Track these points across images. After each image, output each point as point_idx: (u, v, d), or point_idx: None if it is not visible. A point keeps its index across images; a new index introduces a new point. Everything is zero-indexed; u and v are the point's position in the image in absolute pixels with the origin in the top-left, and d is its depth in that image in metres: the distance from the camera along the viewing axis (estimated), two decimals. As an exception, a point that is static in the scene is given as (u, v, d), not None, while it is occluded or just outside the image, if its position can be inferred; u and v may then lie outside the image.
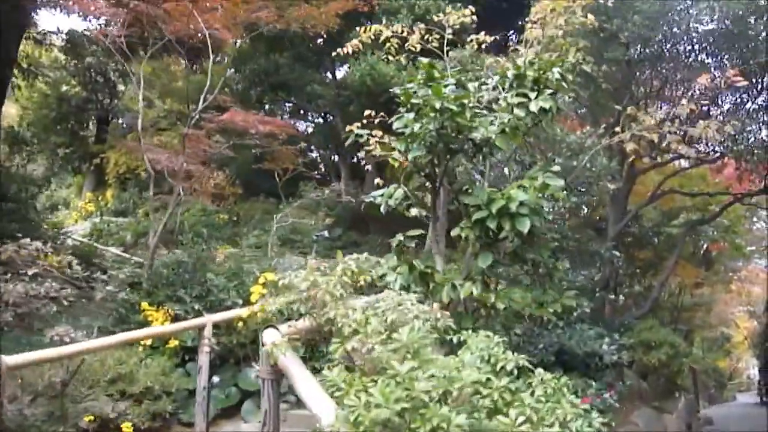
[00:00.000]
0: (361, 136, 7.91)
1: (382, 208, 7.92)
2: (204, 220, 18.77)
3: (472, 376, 4.14)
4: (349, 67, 20.80)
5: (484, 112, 7.39)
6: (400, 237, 7.34)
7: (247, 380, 9.89)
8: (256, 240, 17.54)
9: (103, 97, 26.63)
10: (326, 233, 16.83)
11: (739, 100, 15.73)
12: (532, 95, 7.17)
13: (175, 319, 10.69)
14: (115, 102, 27.17)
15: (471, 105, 7.09)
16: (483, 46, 9.62)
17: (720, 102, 15.81)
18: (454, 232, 7.13)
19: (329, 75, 24.33)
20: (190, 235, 15.53)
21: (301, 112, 27.63)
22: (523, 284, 8.05)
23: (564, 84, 7.58)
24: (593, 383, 7.70)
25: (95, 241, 17.26)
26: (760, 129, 15.05)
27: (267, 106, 25.23)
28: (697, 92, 12.81)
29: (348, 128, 8.15)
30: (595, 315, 12.75)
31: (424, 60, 7.57)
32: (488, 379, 4.81)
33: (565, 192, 8.49)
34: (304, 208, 20.03)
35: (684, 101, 8.90)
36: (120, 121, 29.15)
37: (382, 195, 7.93)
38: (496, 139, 6.90)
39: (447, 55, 9.20)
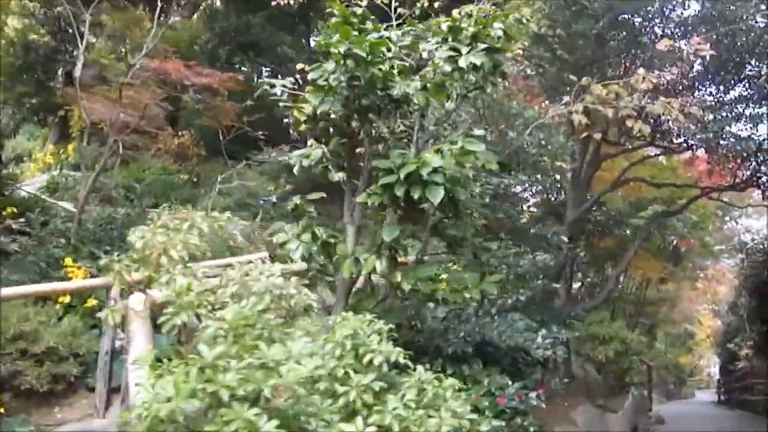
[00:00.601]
0: (273, 86, 6.83)
1: (295, 169, 6.91)
2: (163, 179, 17.75)
3: (297, 371, 3.12)
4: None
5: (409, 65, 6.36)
6: (296, 200, 6.35)
7: (161, 346, 8.89)
8: (210, 202, 16.56)
9: (72, 48, 25.35)
10: (273, 199, 15.77)
11: (716, 90, 14.78)
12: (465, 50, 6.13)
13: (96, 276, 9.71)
14: (84, 54, 25.85)
15: (391, 56, 6.07)
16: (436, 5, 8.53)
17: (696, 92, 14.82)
18: (359, 198, 6.13)
19: (303, 41, 23.28)
20: (122, 191, 14.48)
21: (279, 76, 26.51)
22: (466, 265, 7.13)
23: (509, 43, 6.56)
24: (509, 381, 6.73)
25: (51, 194, 16.23)
26: (734, 121, 14.07)
27: (241, 68, 24.12)
28: (669, 75, 11.84)
29: (259, 80, 7.12)
30: (542, 304, 11.84)
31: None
32: (346, 375, 3.84)
33: (506, 169, 7.50)
34: (265, 173, 19.21)
35: (641, 70, 7.86)
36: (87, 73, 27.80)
37: (300, 155, 6.91)
38: (415, 95, 5.88)
39: (394, 12, 8.11)
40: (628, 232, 17.67)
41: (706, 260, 33.36)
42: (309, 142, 8.73)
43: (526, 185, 11.36)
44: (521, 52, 10.49)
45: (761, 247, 19.06)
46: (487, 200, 8.93)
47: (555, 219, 14.01)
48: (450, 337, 7.05)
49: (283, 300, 4.16)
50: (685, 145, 15.02)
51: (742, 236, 26.63)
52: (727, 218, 34.51)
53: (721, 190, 16.77)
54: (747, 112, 14.13)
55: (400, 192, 5.55)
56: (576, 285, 17.67)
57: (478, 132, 6.24)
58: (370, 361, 4.11)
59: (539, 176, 10.81)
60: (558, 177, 14.08)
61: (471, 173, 5.97)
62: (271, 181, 19.50)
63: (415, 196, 5.51)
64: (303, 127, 7.02)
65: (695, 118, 13.81)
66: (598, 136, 10.12)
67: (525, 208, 13.33)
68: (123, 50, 24.22)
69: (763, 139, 13.79)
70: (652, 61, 12.53)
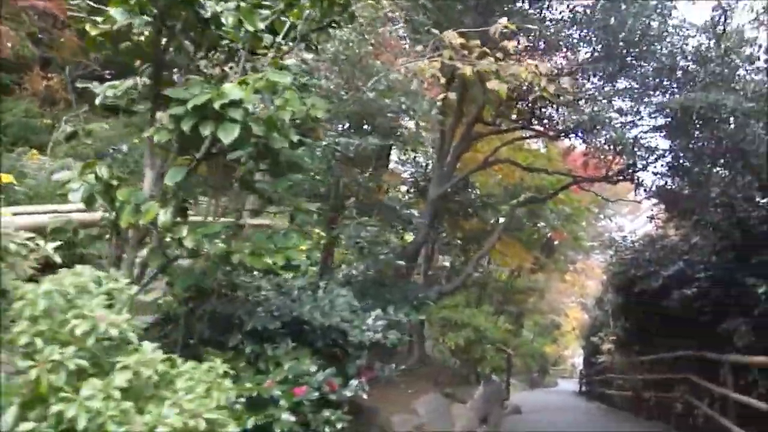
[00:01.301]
0: None
1: (97, 101, 5.64)
2: (24, 122, 16.02)
3: None
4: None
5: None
6: (68, 127, 5.11)
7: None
8: (69, 148, 15.00)
9: None
10: (124, 148, 14.29)
11: (598, 80, 14.22)
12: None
13: None
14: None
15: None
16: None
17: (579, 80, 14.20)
18: (146, 132, 4.95)
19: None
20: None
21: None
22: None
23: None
24: (315, 368, 5.68)
25: None
26: (612, 112, 13.49)
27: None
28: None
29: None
30: (392, 284, 10.89)
31: None
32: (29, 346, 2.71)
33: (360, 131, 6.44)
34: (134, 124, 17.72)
35: (503, 20, 6.94)
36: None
37: (106, 86, 5.63)
38: (225, 15, 4.74)
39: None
40: (499, 217, 16.92)
41: (579, 254, 33.53)
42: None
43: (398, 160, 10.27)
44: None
45: (630, 245, 18.72)
46: (333, 163, 7.91)
47: (420, 195, 13.10)
48: (258, 310, 5.94)
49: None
50: (561, 130, 14.40)
51: (614, 234, 26.42)
52: (602, 216, 34.84)
53: (594, 181, 16.29)
54: (626, 105, 13.62)
55: (186, 126, 4.41)
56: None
57: (289, 61, 5.14)
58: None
59: (396, 143, 9.72)
60: (421, 151, 13.07)
61: (287, 116, 4.82)
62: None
63: (205, 133, 4.39)
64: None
65: (573, 103, 13.52)
66: (452, 95, 9.14)
67: (386, 178, 12.29)
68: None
69: (640, 133, 13.32)
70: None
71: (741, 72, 12.89)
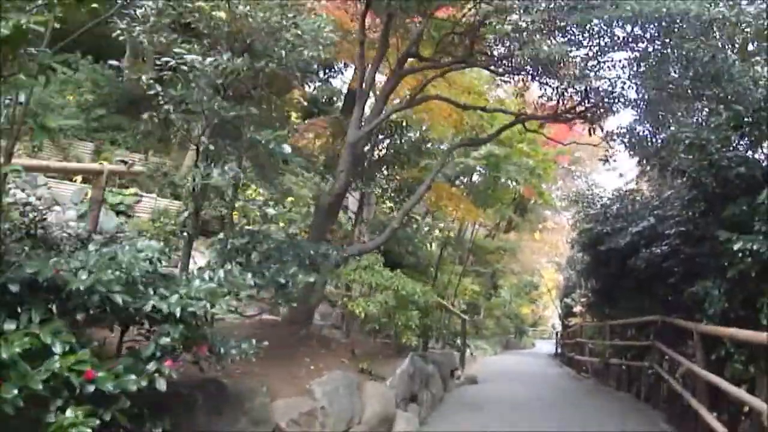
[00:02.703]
0: None
1: None
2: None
3: None
4: None
5: None
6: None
7: None
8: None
9: None
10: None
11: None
12: None
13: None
14: None
15: None
16: None
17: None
18: None
19: None
20: None
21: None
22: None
23: None
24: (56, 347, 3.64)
25: None
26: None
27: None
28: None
29: None
30: (294, 243, 8.71)
31: None
32: None
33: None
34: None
35: None
36: None
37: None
38: None
39: None
40: (420, 157, 14.36)
41: (549, 212, 31.62)
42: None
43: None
44: None
45: (598, 199, 16.52)
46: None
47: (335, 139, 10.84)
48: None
49: None
50: (513, 67, 12.11)
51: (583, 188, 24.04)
52: (577, 174, 32.81)
53: (540, 119, 13.92)
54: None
55: None
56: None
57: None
58: None
59: (278, 68, 7.34)
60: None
61: None
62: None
63: None
64: None
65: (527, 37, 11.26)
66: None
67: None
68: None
69: (591, 61, 11.07)
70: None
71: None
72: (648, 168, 13.55)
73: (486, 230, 31.09)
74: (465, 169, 19.50)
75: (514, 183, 21.41)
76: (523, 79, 13.22)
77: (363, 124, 10.84)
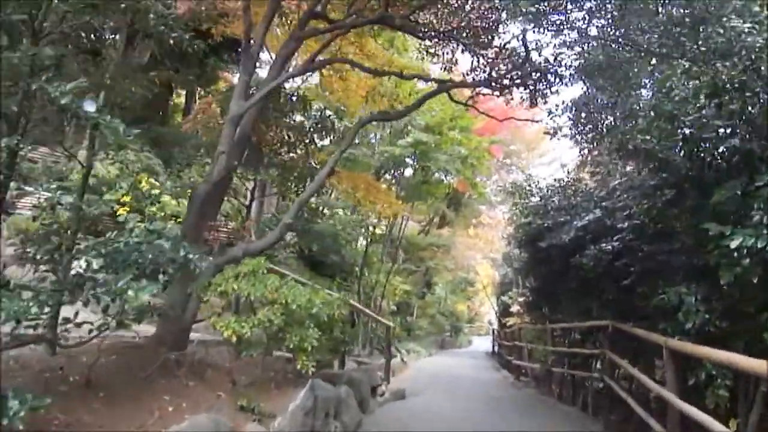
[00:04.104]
0: None
1: None
2: None
3: None
4: None
5: None
6: None
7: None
8: None
9: None
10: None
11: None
12: None
13: None
14: None
15: None
16: None
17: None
18: None
19: None
20: None
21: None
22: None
23: None
24: None
25: None
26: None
27: None
28: None
29: None
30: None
31: None
32: None
33: None
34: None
35: None
36: None
37: None
38: None
39: None
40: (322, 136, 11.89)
41: (483, 207, 29.75)
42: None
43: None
44: None
45: (536, 191, 14.45)
46: None
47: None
48: None
49: None
50: (439, 33, 9.87)
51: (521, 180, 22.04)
52: (513, 167, 31.12)
53: (469, 86, 11.55)
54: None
55: None
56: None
57: None
58: None
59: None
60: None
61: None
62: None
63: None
64: None
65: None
66: None
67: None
68: None
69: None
70: None
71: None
72: (596, 152, 11.49)
73: (419, 226, 29.15)
74: (392, 159, 17.20)
75: (446, 174, 19.26)
76: (453, 50, 11.06)
77: (253, 94, 8.41)
